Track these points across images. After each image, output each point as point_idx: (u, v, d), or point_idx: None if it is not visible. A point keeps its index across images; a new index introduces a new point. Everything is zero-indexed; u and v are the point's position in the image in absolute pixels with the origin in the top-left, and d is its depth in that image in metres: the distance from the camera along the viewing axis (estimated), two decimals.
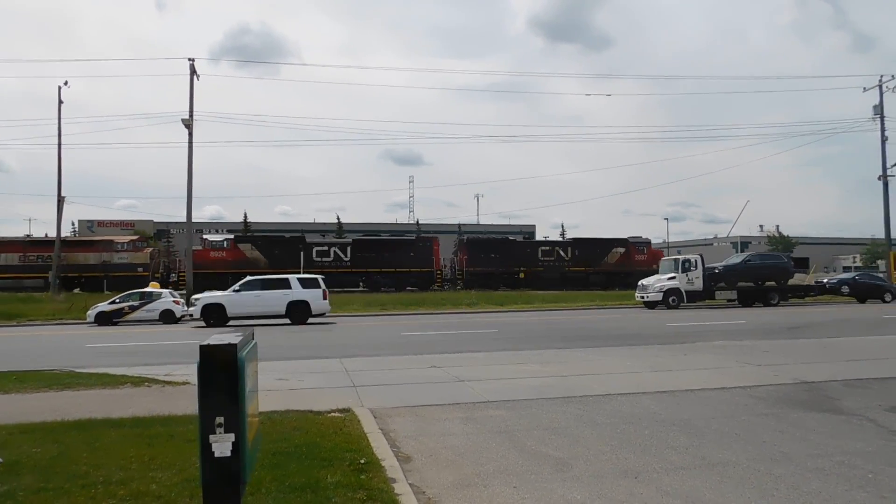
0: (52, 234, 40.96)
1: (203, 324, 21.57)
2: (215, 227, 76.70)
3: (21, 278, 42.58)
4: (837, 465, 5.36)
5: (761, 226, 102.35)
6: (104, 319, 23.97)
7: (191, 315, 22.44)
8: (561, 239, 61.60)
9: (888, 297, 31.99)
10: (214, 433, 3.09)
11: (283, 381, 9.72)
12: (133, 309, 24.43)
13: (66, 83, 38.31)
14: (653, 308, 28.91)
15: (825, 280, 34.50)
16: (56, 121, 38.14)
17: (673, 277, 29.37)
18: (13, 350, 16.05)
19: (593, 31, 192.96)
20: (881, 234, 48.28)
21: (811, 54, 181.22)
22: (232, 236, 47.63)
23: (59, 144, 38.60)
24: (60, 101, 38.42)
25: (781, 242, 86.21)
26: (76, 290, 39.52)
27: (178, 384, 9.57)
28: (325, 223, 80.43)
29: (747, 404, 7.86)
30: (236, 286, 22.42)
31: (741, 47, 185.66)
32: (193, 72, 33.34)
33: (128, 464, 5.23)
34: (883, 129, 45.36)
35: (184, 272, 44.24)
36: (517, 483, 4.99)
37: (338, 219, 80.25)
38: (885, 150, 45.25)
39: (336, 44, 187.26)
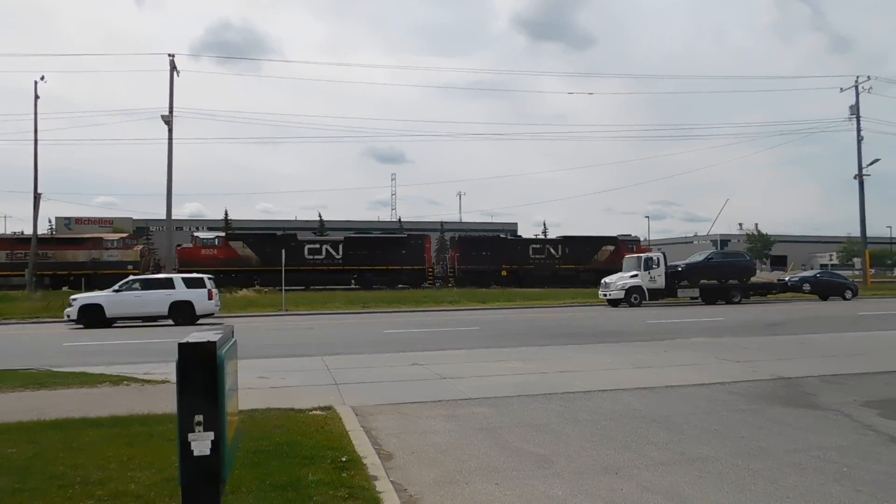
0: (29, 231, 40.40)
1: (81, 326, 20.57)
2: (196, 224, 76.02)
3: (8, 276, 42.02)
4: (814, 459, 5.44)
5: (741, 224, 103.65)
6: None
7: (68, 316, 21.14)
8: (552, 237, 61.80)
9: (848, 294, 32.50)
10: (193, 431, 3.06)
11: (264, 378, 9.66)
12: None
13: (42, 78, 37.78)
14: (616, 306, 28.89)
15: (787, 278, 34.79)
16: (32, 116, 37.59)
17: (635, 275, 29.39)
18: None
19: (576, 30, 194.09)
20: (858, 233, 49.19)
21: (790, 55, 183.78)
22: (223, 234, 47.22)
23: (36, 140, 38.03)
24: (37, 97, 37.81)
25: (760, 241, 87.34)
26: (65, 289, 38.90)
27: (158, 383, 9.47)
28: (307, 220, 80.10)
29: (726, 400, 7.96)
30: (116, 286, 21.76)
31: (721, 47, 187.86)
32: (173, 67, 33.01)
33: (106, 463, 5.16)
34: (859, 130, 46.20)
35: (175, 269, 43.90)
36: (499, 480, 5.01)
37: (320, 216, 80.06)
38: (861, 149, 46.13)
39: (318, 41, 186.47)
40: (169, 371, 10.11)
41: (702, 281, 30.64)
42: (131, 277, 23.02)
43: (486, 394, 8.42)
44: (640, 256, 30.99)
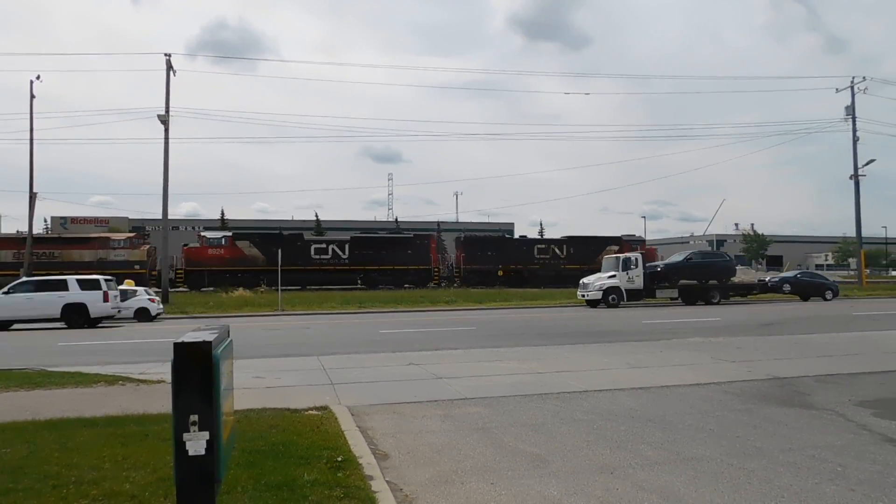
0: (24, 230, 40.21)
1: None
2: (192, 223, 75.80)
3: (15, 275, 41.98)
4: (808, 458, 5.46)
5: (736, 224, 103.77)
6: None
7: None
8: (556, 237, 61.85)
9: (829, 294, 32.33)
10: (189, 431, 3.06)
11: (259, 378, 9.65)
12: None
13: (38, 77, 37.57)
14: (594, 306, 28.68)
15: (767, 278, 34.68)
16: (28, 115, 37.42)
17: (613, 276, 29.05)
18: None
19: (572, 30, 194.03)
20: (853, 233, 49.34)
21: (786, 55, 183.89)
22: (230, 233, 47.16)
23: (31, 139, 37.83)
24: (32, 96, 37.61)
25: (756, 241, 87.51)
26: None
27: (153, 383, 9.45)
28: (303, 220, 79.91)
29: (721, 400, 7.98)
30: (6, 288, 21.55)
31: (717, 48, 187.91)
32: (170, 67, 32.93)
33: (101, 463, 5.15)
34: (854, 130, 46.34)
35: (181, 269, 43.80)
36: (494, 479, 5.01)
37: (316, 216, 79.88)
38: (857, 150, 46.28)
39: (314, 40, 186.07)
40: (164, 371, 10.05)
41: (681, 281, 30.38)
42: (24, 279, 22.68)
43: (482, 394, 8.42)
44: (619, 257, 30.61)
